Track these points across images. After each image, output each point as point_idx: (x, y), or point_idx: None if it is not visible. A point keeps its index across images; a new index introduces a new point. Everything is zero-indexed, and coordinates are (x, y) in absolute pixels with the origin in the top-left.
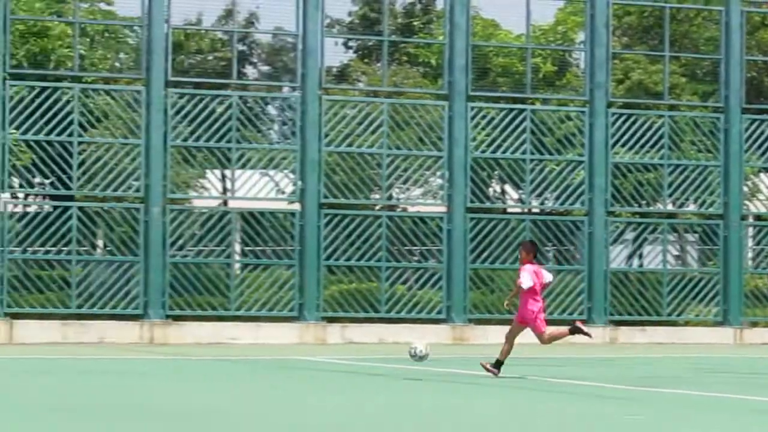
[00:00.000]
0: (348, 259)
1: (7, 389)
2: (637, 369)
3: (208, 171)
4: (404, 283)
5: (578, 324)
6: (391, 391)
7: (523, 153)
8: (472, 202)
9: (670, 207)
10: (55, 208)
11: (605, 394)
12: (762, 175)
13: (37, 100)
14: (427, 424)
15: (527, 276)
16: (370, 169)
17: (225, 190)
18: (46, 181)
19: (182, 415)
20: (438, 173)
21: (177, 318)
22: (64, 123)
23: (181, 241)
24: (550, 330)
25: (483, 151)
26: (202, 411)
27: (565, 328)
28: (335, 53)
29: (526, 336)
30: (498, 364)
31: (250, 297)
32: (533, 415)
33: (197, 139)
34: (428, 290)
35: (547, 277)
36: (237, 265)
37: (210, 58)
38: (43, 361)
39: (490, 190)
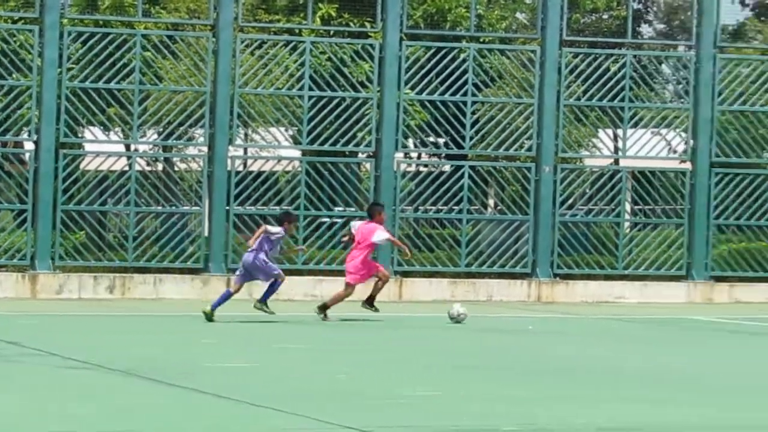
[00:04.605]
0: (738, 218)
1: (389, 343)
2: None
3: (600, 130)
4: None
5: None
6: None
7: None
8: None
9: None
10: (448, 167)
11: None
12: None
13: (433, 60)
14: None
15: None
16: (763, 128)
17: (616, 149)
18: (440, 141)
19: (564, 371)
20: None
21: (565, 277)
22: (459, 83)
23: (571, 200)
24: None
25: None
26: (582, 367)
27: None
28: (731, 11)
29: None
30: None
31: (638, 256)
32: None
33: (590, 98)
34: None
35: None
36: (626, 224)
37: (605, 16)
38: (429, 318)
39: None
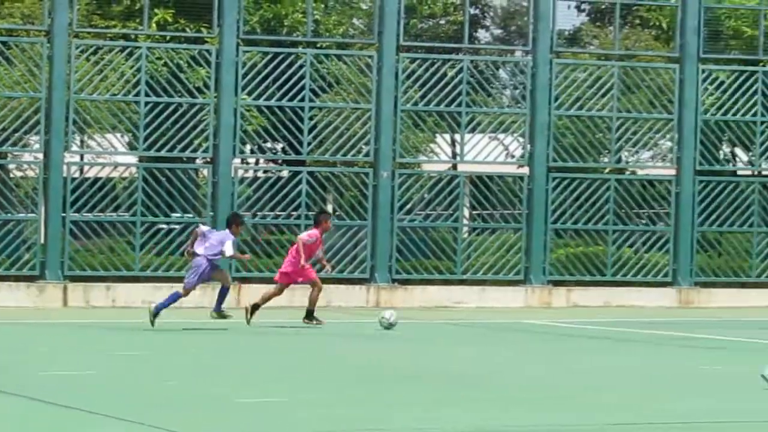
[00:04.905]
0: (575, 223)
1: (231, 349)
2: None
3: (437, 135)
4: (631, 246)
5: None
6: (608, 352)
7: (754, 115)
8: (701, 164)
9: None
10: (286, 172)
11: None
12: None
13: (270, 66)
14: (648, 384)
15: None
16: (600, 133)
17: (454, 154)
18: (278, 146)
19: (405, 377)
20: (667, 136)
21: (403, 282)
22: (296, 88)
23: (409, 205)
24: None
25: (713, 114)
26: (423, 373)
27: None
28: (567, 16)
29: None
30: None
31: (476, 261)
32: (748, 377)
33: (428, 103)
34: (655, 253)
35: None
36: (464, 229)
37: (442, 22)
38: (268, 324)
39: (720, 152)
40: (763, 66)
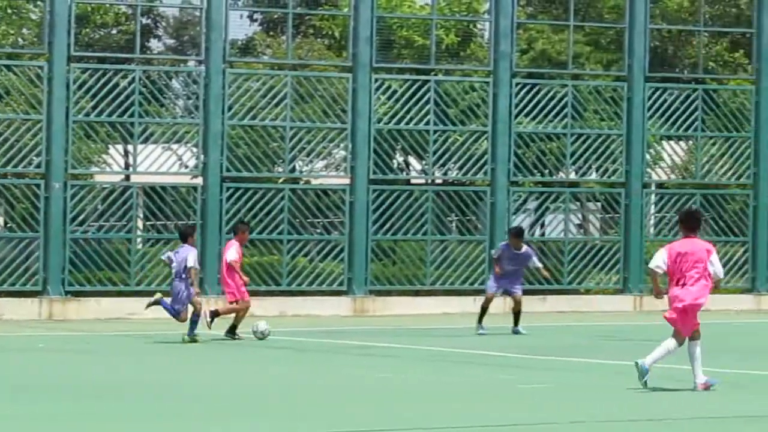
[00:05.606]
0: (250, 233)
1: None
2: (536, 338)
3: (110, 146)
4: (306, 255)
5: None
6: (286, 362)
7: (427, 124)
8: (375, 173)
9: (572, 176)
10: None
11: (506, 363)
12: (664, 143)
13: None
14: (314, 395)
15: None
16: (274, 142)
17: (127, 165)
18: None
19: (78, 389)
20: (341, 145)
21: (77, 294)
22: None
23: (82, 217)
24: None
25: (386, 123)
26: (93, 384)
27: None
28: (240, 26)
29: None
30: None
31: (151, 272)
32: (429, 384)
33: (100, 114)
34: (330, 262)
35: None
36: (138, 240)
37: (114, 32)
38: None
39: (394, 161)
40: (435, 75)
